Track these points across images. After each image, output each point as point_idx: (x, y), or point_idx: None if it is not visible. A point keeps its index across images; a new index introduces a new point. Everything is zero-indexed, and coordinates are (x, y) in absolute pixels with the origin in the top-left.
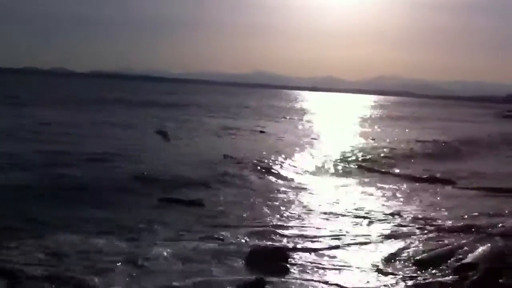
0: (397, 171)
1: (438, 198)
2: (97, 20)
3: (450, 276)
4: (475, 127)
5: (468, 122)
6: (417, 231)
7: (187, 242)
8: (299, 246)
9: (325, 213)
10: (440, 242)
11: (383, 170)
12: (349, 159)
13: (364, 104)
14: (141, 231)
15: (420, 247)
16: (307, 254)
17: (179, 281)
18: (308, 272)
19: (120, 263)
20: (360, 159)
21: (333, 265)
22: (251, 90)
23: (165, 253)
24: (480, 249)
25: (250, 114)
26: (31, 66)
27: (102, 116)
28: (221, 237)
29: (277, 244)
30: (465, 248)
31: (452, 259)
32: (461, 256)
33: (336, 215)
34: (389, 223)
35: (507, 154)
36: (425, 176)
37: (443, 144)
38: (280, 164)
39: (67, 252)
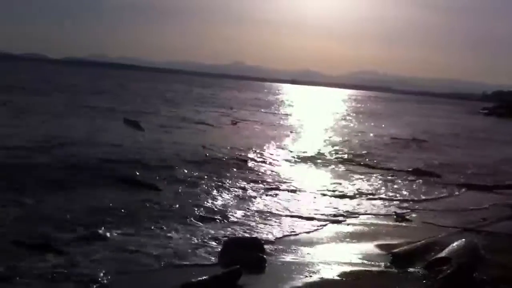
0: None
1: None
2: (77, 5)
3: (424, 271)
4: None
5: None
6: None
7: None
8: (273, 237)
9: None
10: (417, 236)
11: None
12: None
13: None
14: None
15: (397, 240)
16: (282, 244)
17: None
18: (284, 263)
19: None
20: None
21: (310, 255)
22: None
23: None
24: (454, 244)
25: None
26: (3, 51)
27: None
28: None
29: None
30: (441, 242)
31: (427, 253)
32: (436, 251)
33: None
34: (365, 216)
35: None
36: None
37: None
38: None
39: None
